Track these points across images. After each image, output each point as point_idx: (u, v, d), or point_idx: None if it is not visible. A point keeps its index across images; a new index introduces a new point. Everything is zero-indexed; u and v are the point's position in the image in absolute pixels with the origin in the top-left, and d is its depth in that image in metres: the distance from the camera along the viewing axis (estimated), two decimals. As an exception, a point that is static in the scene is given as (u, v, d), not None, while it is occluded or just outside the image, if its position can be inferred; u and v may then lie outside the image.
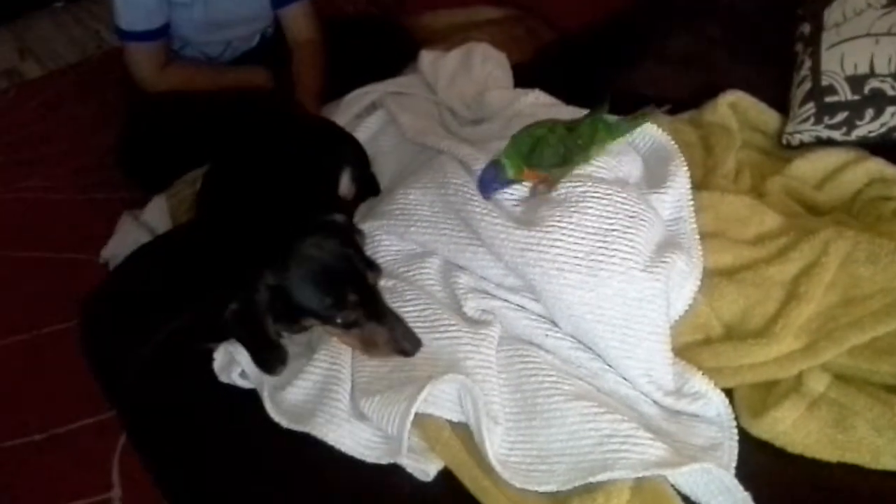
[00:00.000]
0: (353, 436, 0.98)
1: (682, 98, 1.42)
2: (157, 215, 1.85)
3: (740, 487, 0.90)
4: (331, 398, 1.00)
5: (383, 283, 1.08)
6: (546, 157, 1.04)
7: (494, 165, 1.05)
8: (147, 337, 1.20)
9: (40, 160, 2.37)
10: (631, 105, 1.34)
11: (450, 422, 0.97)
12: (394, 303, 1.05)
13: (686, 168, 1.16)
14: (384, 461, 0.96)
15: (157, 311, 1.22)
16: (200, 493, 1.07)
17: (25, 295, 1.98)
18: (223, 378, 1.07)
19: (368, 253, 1.13)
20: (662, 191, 1.11)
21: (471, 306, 1.05)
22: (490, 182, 1.06)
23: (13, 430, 1.67)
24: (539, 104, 1.31)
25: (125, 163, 2.04)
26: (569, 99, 1.34)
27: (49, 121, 2.51)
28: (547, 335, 1.03)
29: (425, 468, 0.95)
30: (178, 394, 1.12)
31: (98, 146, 2.32)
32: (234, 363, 1.07)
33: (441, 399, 0.96)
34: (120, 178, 2.08)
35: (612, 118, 1.12)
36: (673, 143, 1.20)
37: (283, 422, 1.01)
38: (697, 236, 1.09)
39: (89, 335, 1.29)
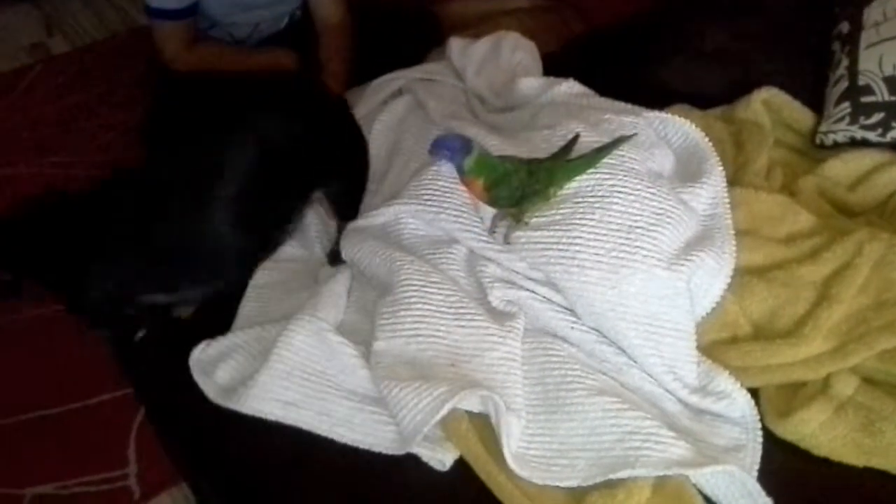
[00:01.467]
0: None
1: (715, 94, 1.41)
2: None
3: (762, 492, 0.89)
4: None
5: (410, 261, 1.08)
6: (502, 194, 1.02)
7: (465, 144, 1.01)
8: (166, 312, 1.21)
9: (64, 136, 2.38)
10: (663, 100, 1.34)
11: (468, 412, 0.96)
12: (419, 283, 1.04)
13: (721, 166, 1.14)
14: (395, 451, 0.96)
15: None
16: (216, 470, 1.07)
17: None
18: (198, 376, 1.06)
19: (393, 235, 1.15)
20: (699, 186, 1.10)
21: (496, 296, 1.05)
22: (450, 148, 1.02)
23: (32, 403, 1.68)
24: (572, 93, 1.29)
25: (149, 141, 2.05)
26: (599, 91, 1.32)
27: (75, 96, 2.52)
28: (572, 328, 1.02)
29: (442, 458, 0.94)
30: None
31: (123, 124, 2.32)
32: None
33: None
34: (144, 155, 2.08)
35: (574, 159, 1.05)
36: (706, 139, 1.18)
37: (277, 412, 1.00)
38: (732, 232, 1.08)
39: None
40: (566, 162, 1.04)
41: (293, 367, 1.01)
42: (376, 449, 0.97)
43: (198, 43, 1.95)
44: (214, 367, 1.06)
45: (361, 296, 1.13)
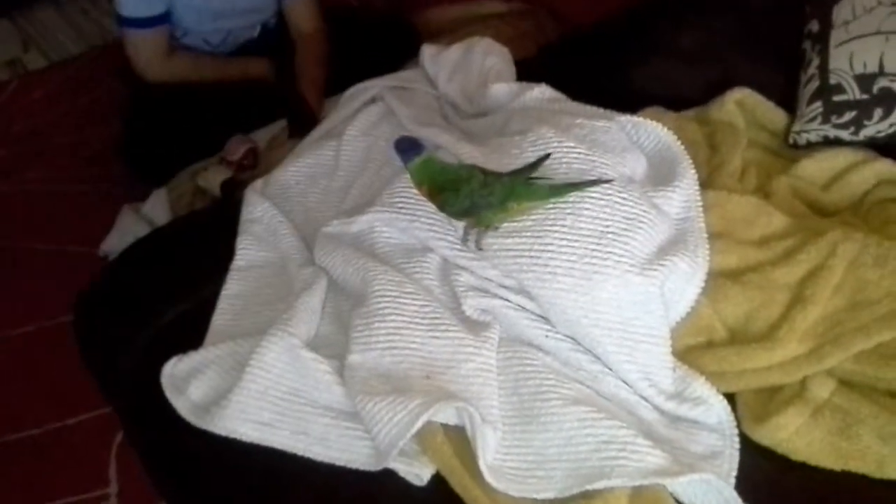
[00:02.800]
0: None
1: (689, 95, 1.41)
2: (158, 208, 1.85)
3: (739, 499, 0.88)
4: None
5: (384, 271, 1.07)
6: (449, 200, 1.00)
7: (414, 146, 1.01)
8: (142, 330, 1.19)
9: (42, 152, 2.37)
10: (637, 102, 1.34)
11: (444, 425, 0.95)
12: (393, 294, 1.03)
13: (693, 169, 1.14)
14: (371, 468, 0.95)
15: (153, 304, 1.21)
16: (196, 490, 1.05)
17: (26, 287, 1.97)
18: (170, 393, 1.05)
19: (367, 243, 1.13)
20: (670, 189, 1.09)
21: (470, 304, 1.03)
22: (400, 149, 1.03)
23: (10, 424, 1.66)
24: (544, 98, 1.29)
25: (127, 155, 2.03)
26: (574, 95, 1.31)
27: (52, 112, 2.50)
28: (547, 336, 1.01)
29: (419, 472, 0.93)
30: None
31: (100, 138, 2.30)
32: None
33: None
34: (121, 170, 2.07)
35: (539, 181, 1.02)
36: (679, 143, 1.17)
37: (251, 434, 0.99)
38: (705, 236, 1.07)
39: (83, 329, 1.28)
40: (528, 179, 1.02)
41: (267, 387, 1.00)
42: (353, 465, 0.96)
43: (173, 52, 1.94)
44: (187, 384, 1.04)
45: (336, 306, 1.12)
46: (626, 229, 0.99)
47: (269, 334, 1.02)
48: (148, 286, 1.27)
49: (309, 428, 0.98)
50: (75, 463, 1.59)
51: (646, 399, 0.97)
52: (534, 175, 1.02)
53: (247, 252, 1.21)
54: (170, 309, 1.22)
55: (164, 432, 1.08)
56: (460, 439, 0.93)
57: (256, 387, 1.00)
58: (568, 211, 1.00)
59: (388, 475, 0.94)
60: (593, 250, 0.97)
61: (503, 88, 1.33)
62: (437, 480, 0.94)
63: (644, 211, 1.02)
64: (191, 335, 1.13)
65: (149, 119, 1.97)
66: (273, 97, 1.95)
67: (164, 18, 1.87)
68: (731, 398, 0.97)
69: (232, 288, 1.16)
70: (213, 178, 1.78)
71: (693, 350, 1.01)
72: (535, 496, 0.89)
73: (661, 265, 0.99)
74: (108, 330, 1.25)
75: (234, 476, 1.01)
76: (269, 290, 1.16)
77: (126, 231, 1.81)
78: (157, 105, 1.98)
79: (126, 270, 1.33)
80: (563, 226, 0.99)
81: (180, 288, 1.24)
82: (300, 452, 0.97)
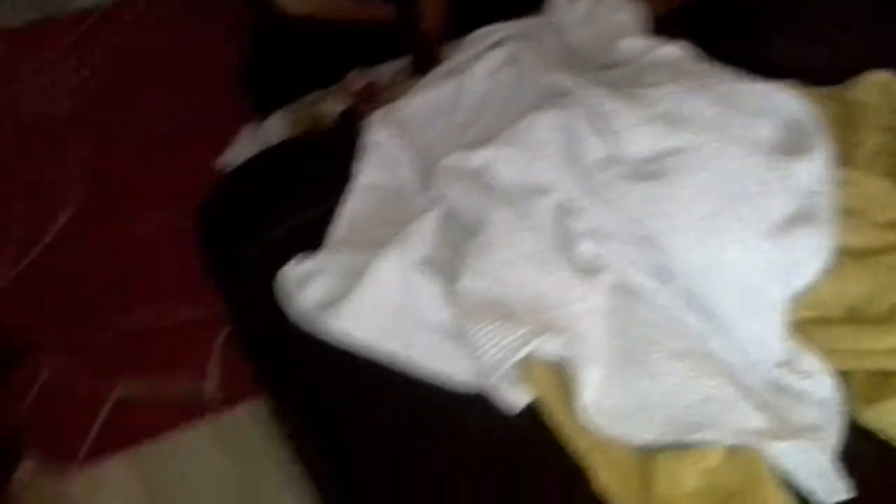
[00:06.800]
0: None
1: (825, 75, 1.35)
2: (277, 130, 1.91)
3: (838, 473, 0.87)
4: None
5: (499, 207, 1.07)
6: None
7: None
8: (264, 234, 1.23)
9: (164, 72, 2.45)
10: (768, 75, 1.29)
11: (545, 361, 0.96)
12: (506, 229, 1.05)
13: (828, 143, 1.10)
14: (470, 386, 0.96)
15: (275, 210, 1.25)
16: (301, 392, 1.09)
17: (140, 191, 2.08)
18: (286, 293, 1.07)
19: (484, 179, 1.14)
20: (805, 160, 1.06)
21: (584, 249, 1.03)
22: None
23: (121, 315, 1.77)
24: (680, 56, 1.26)
25: (248, 82, 2.09)
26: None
27: (175, 35, 2.58)
28: (659, 290, 1.00)
29: (514, 400, 0.94)
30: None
31: (224, 61, 2.37)
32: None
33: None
34: (242, 95, 2.12)
35: None
36: (815, 114, 1.14)
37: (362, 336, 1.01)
38: (834, 212, 1.04)
39: (205, 233, 1.34)
40: None
41: (379, 298, 1.03)
42: (456, 378, 0.97)
43: None
44: (302, 287, 1.07)
45: (449, 237, 1.13)
46: (756, 193, 0.98)
47: (384, 250, 1.05)
48: (269, 195, 1.32)
49: (414, 342, 1.00)
50: (177, 357, 1.69)
51: (754, 365, 0.95)
52: None
53: (368, 172, 1.24)
54: (289, 219, 1.25)
55: (275, 330, 1.11)
56: (562, 374, 0.95)
57: (369, 298, 1.03)
58: (701, 166, 0.99)
59: (479, 402, 0.96)
60: (722, 209, 0.97)
61: (638, 42, 1.30)
62: (527, 413, 0.94)
63: (776, 178, 1.00)
64: (304, 245, 1.16)
65: (272, 49, 2.02)
66: (396, 36, 1.97)
67: None
68: (840, 376, 0.95)
69: (352, 205, 1.19)
70: (332, 106, 1.82)
71: (808, 324, 0.99)
72: (631, 437, 0.90)
73: (789, 234, 0.97)
74: (229, 234, 1.30)
75: (334, 381, 1.04)
76: (386, 212, 1.18)
77: (244, 148, 1.88)
78: (281, 35, 2.03)
79: (248, 178, 1.39)
80: (697, 180, 0.98)
81: (302, 199, 1.27)
82: (404, 362, 1.00)
